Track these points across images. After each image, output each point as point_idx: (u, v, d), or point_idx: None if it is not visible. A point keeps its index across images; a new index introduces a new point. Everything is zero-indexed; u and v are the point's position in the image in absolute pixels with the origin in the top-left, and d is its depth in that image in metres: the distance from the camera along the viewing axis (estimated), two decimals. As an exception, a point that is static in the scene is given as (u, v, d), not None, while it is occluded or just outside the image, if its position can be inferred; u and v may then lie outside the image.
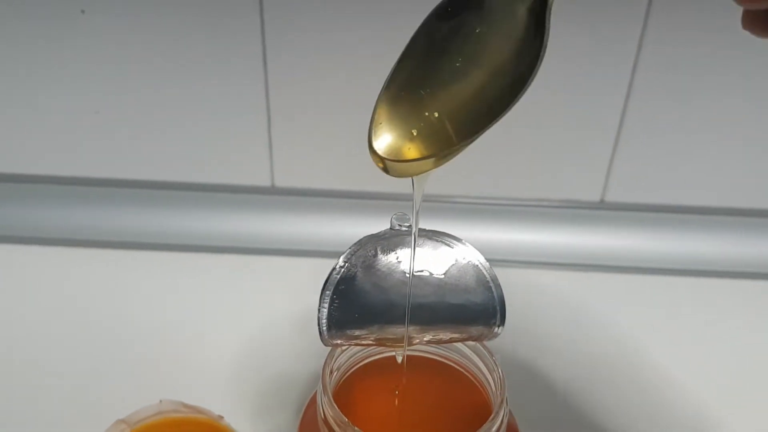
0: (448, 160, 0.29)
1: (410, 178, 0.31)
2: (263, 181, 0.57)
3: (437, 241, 0.35)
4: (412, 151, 0.29)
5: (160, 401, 0.41)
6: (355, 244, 0.35)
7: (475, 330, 0.35)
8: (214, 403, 0.42)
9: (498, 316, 0.35)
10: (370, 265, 0.35)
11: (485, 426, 0.33)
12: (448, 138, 0.29)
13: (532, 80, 0.28)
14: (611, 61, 0.52)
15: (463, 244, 0.35)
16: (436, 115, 0.29)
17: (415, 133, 0.29)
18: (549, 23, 0.28)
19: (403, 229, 0.35)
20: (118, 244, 0.57)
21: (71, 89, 0.53)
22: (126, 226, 0.57)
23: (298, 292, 0.53)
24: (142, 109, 0.54)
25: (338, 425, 0.33)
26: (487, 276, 0.35)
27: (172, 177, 0.57)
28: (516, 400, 0.37)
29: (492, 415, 0.33)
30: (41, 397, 0.46)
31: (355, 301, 0.34)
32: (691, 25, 0.50)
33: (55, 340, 0.50)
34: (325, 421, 0.33)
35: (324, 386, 0.34)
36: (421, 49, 0.29)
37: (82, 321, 0.51)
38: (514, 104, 0.28)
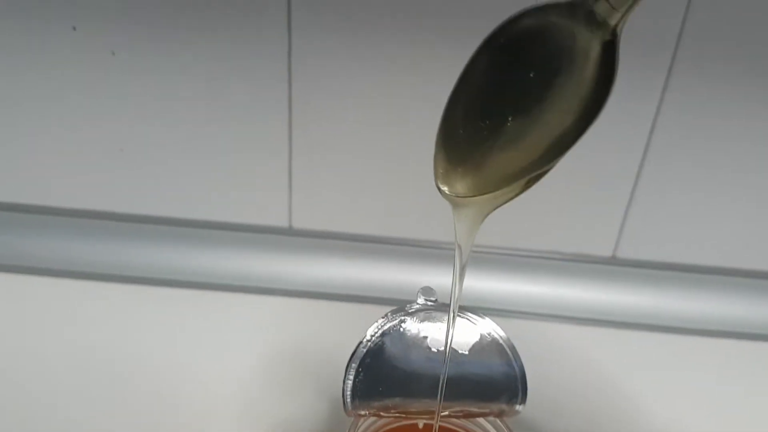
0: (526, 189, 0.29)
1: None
2: (281, 221, 0.58)
3: (460, 317, 0.36)
4: (483, 183, 0.29)
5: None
6: (382, 317, 0.35)
7: (496, 407, 0.36)
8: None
9: (519, 394, 0.36)
10: (396, 339, 0.35)
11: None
12: (519, 170, 0.29)
13: (603, 109, 0.27)
14: (629, 118, 0.52)
15: (487, 320, 0.36)
16: (502, 146, 0.28)
17: (483, 167, 0.29)
18: (618, 52, 0.26)
19: (429, 303, 0.36)
20: (136, 280, 0.57)
21: (98, 126, 0.54)
22: (144, 262, 0.58)
23: (313, 334, 0.53)
24: (164, 147, 0.55)
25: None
26: (510, 354, 0.36)
27: (189, 215, 0.58)
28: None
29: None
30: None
31: (380, 373, 0.35)
32: (711, 87, 0.50)
33: (61, 374, 0.50)
34: (347, 491, 0.34)
35: (347, 457, 0.34)
36: (474, 85, 0.28)
37: (92, 357, 0.51)
38: (585, 132, 0.27)
